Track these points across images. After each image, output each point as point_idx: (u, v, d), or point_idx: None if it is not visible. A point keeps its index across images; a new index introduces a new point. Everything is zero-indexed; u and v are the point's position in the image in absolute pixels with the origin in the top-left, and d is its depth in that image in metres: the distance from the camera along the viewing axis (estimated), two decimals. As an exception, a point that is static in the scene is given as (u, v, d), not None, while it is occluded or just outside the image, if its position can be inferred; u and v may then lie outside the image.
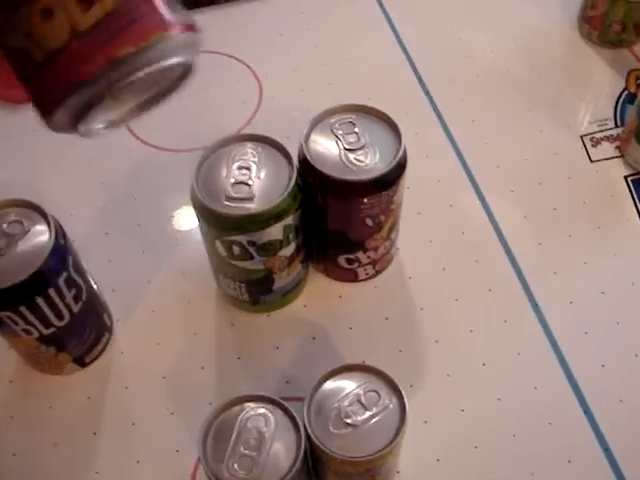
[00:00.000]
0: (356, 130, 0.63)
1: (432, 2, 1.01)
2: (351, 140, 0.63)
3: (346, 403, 0.53)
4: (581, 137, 0.85)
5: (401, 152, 0.61)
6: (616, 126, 0.86)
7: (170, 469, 0.64)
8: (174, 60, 0.38)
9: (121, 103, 0.40)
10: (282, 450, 0.52)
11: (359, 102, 0.65)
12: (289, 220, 0.61)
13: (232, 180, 0.60)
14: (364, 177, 0.60)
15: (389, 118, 0.64)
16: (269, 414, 0.53)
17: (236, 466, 0.51)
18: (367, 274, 0.72)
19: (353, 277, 0.72)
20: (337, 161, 0.62)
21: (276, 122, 0.85)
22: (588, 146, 0.84)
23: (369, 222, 0.64)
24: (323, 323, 0.71)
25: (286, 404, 0.53)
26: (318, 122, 0.64)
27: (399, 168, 0.62)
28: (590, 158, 0.83)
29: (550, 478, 0.63)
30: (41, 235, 0.59)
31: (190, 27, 0.38)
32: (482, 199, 0.80)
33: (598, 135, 0.86)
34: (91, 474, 0.64)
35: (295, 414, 0.53)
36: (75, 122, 0.39)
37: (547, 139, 0.85)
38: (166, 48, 0.37)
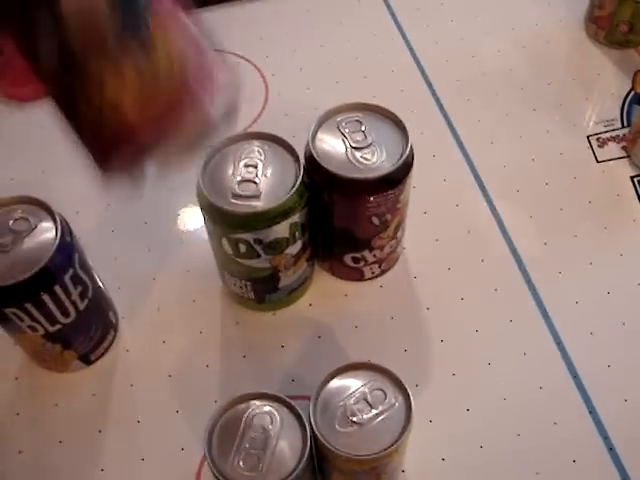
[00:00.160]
0: (363, 129, 0.63)
1: (439, 2, 1.00)
2: (358, 138, 0.63)
3: (352, 401, 0.53)
4: (587, 137, 0.85)
5: (408, 151, 0.61)
6: (622, 126, 0.86)
7: (175, 467, 0.64)
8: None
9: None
10: (288, 448, 0.52)
11: (366, 100, 0.65)
12: (295, 218, 0.61)
13: (238, 178, 0.60)
14: (370, 175, 0.60)
15: (396, 117, 0.64)
16: (275, 412, 0.53)
17: (241, 464, 0.51)
18: (373, 273, 0.72)
19: (359, 276, 0.72)
20: (344, 159, 0.62)
21: (282, 121, 0.85)
22: (594, 146, 0.84)
23: (375, 221, 0.64)
24: (329, 322, 0.71)
25: (292, 402, 0.53)
26: (325, 120, 0.64)
27: (406, 167, 0.62)
28: (596, 158, 0.83)
29: (555, 478, 0.63)
30: (47, 232, 0.59)
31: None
32: (488, 199, 0.80)
33: (604, 135, 0.85)
34: (96, 471, 0.64)
35: (301, 412, 0.53)
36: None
37: (553, 139, 0.85)
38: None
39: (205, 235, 0.65)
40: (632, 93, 0.89)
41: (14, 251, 0.58)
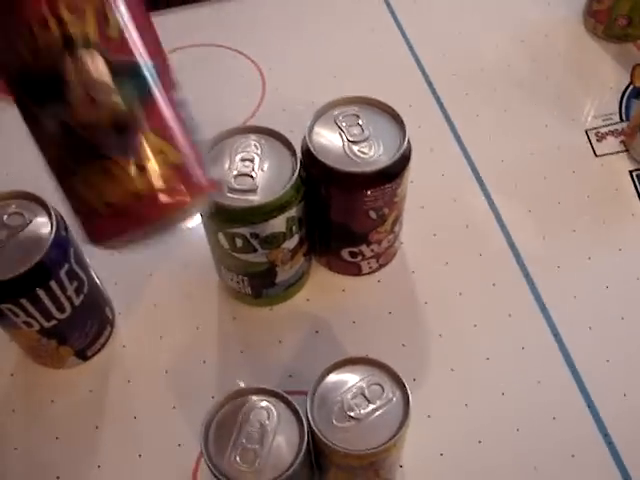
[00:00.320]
0: (360, 122, 0.63)
1: (437, -4, 1.00)
2: (355, 132, 0.62)
3: (349, 396, 0.52)
4: (586, 131, 0.85)
5: (405, 144, 0.61)
6: (621, 120, 0.86)
7: (172, 463, 0.64)
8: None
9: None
10: (285, 443, 0.51)
11: (363, 95, 0.65)
12: (292, 212, 0.61)
13: (235, 172, 0.60)
14: (368, 169, 0.60)
15: (393, 110, 0.63)
16: (272, 407, 0.53)
17: (238, 459, 0.51)
18: (370, 268, 0.72)
19: (356, 271, 0.72)
20: (341, 153, 0.61)
21: (279, 115, 0.85)
22: (593, 140, 0.84)
23: (373, 215, 0.64)
24: (326, 317, 0.71)
25: (289, 397, 0.53)
26: (322, 114, 0.64)
27: (403, 160, 0.62)
28: (595, 152, 0.83)
29: (553, 472, 0.63)
30: (42, 227, 0.59)
31: (213, 185, 0.45)
32: (486, 193, 0.79)
33: (603, 130, 0.85)
34: (93, 468, 0.64)
35: (298, 407, 0.52)
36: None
37: (551, 133, 0.85)
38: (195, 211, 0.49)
39: (202, 230, 0.65)
40: (631, 87, 0.89)
41: (9, 246, 0.58)
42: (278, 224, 0.61)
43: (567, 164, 0.82)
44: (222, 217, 0.60)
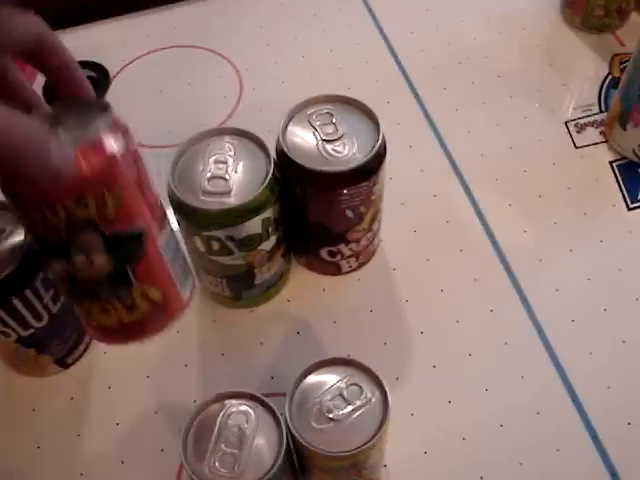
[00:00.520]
0: (334, 121, 0.62)
1: (413, -10, 1.00)
2: (329, 131, 0.62)
3: (328, 397, 0.52)
4: (565, 123, 0.85)
5: (379, 142, 0.61)
6: (600, 111, 0.85)
7: (155, 468, 0.63)
8: None
9: None
10: (265, 447, 0.51)
11: (340, 92, 0.64)
12: (267, 214, 0.60)
13: (208, 174, 0.60)
14: (342, 168, 0.60)
15: (367, 107, 0.63)
16: (250, 411, 0.52)
17: (217, 464, 0.50)
18: (350, 266, 0.72)
19: (336, 270, 0.72)
20: (315, 153, 0.61)
21: (257, 115, 0.84)
22: (573, 132, 0.84)
23: (349, 214, 0.64)
24: (307, 317, 0.71)
25: (267, 400, 0.52)
26: (295, 114, 0.64)
27: (378, 158, 0.61)
28: (575, 144, 0.83)
29: (539, 467, 0.62)
30: (16, 235, 0.58)
31: (188, 302, 0.58)
32: (466, 188, 0.79)
33: (582, 121, 0.85)
34: (75, 476, 0.63)
35: (276, 410, 0.52)
36: None
37: (531, 126, 0.85)
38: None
39: (179, 233, 0.65)
40: (609, 77, 0.89)
41: (-18, 255, 0.57)
42: (254, 226, 0.60)
43: (547, 156, 0.82)
44: (196, 220, 0.59)
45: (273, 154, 0.61)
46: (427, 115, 0.86)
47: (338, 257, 0.69)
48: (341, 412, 0.51)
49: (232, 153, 0.61)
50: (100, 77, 0.91)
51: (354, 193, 0.61)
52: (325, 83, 0.86)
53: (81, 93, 0.53)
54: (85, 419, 0.66)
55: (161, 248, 0.55)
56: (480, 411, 0.65)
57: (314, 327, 0.70)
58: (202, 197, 0.58)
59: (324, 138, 0.61)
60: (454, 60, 0.91)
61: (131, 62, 0.93)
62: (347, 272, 0.72)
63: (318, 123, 0.62)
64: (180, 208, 0.59)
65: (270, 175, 0.59)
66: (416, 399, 0.65)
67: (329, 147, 0.61)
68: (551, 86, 0.89)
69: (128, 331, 0.56)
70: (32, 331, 0.61)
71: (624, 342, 0.68)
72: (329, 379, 0.53)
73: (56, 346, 0.65)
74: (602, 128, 0.83)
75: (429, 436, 0.64)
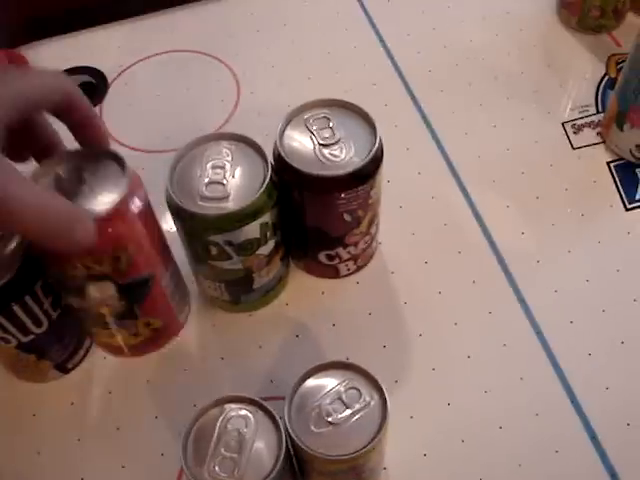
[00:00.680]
0: (331, 125, 0.63)
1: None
2: (326, 135, 0.62)
3: (327, 401, 0.52)
4: (562, 124, 0.85)
5: (376, 145, 0.61)
6: (597, 112, 0.86)
7: (156, 473, 0.64)
8: None
9: None
10: (264, 451, 0.51)
11: (338, 96, 0.64)
12: (265, 218, 0.60)
13: (206, 180, 0.60)
14: (339, 172, 0.60)
15: (364, 111, 0.63)
16: (249, 415, 0.52)
17: (217, 468, 0.50)
18: (348, 270, 0.72)
19: (334, 273, 0.72)
20: (312, 157, 0.61)
21: (255, 119, 0.84)
22: (570, 133, 0.84)
23: (347, 217, 0.64)
24: (306, 321, 0.71)
25: (266, 404, 0.52)
26: (292, 118, 0.64)
27: (375, 162, 0.62)
28: (572, 145, 0.83)
29: (538, 469, 0.62)
30: (15, 240, 0.58)
31: (183, 323, 0.70)
32: (464, 190, 0.79)
33: (579, 122, 0.85)
34: (77, 481, 0.64)
35: (276, 414, 0.52)
36: None
37: (528, 127, 0.85)
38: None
39: (177, 238, 0.65)
40: (606, 78, 0.89)
41: (-19, 262, 0.58)
42: (252, 230, 0.60)
43: (544, 157, 0.82)
44: (195, 226, 0.60)
45: (270, 159, 0.61)
46: (424, 117, 0.86)
47: (336, 260, 0.69)
48: (340, 416, 0.51)
49: (229, 158, 0.61)
50: (98, 82, 0.91)
51: (351, 197, 0.62)
52: (322, 87, 0.87)
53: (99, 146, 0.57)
54: (85, 424, 0.66)
55: (165, 286, 0.63)
56: (479, 413, 0.65)
57: (313, 330, 0.70)
58: (200, 202, 0.59)
59: (321, 142, 0.61)
60: (451, 62, 0.91)
61: (129, 67, 0.93)
62: (345, 275, 0.73)
63: (315, 127, 0.63)
64: (178, 213, 0.60)
65: (268, 180, 0.59)
66: (415, 402, 0.65)
67: (326, 151, 0.61)
68: (548, 87, 0.89)
69: (131, 350, 0.66)
70: (32, 337, 0.61)
71: (622, 343, 0.68)
72: (328, 383, 0.53)
73: (56, 351, 0.66)
74: (599, 129, 0.84)
75: (428, 438, 0.64)
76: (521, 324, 0.70)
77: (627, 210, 0.77)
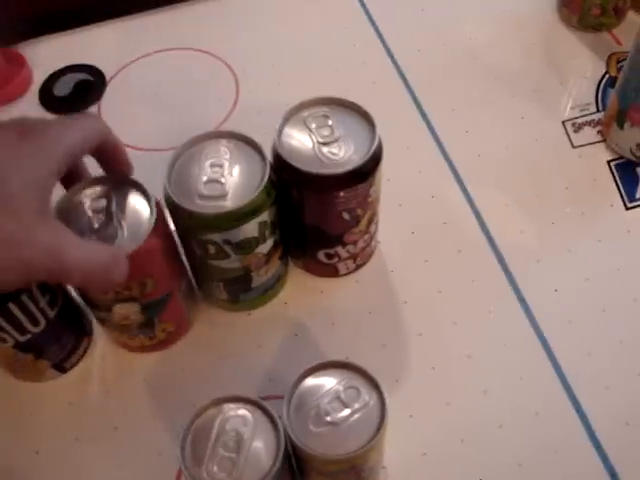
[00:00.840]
0: (329, 123, 0.62)
1: (410, -9, 1.00)
2: (325, 133, 0.62)
3: (325, 401, 0.52)
4: (563, 123, 0.85)
5: (376, 144, 0.60)
6: (598, 111, 0.85)
7: (154, 472, 0.63)
8: None
9: None
10: (262, 451, 0.51)
11: (337, 94, 0.64)
12: (264, 217, 0.60)
13: (204, 178, 0.59)
14: (338, 171, 0.59)
15: (363, 109, 0.63)
16: (248, 414, 0.52)
17: (215, 468, 0.50)
18: (348, 269, 0.71)
19: (333, 272, 0.71)
20: (311, 155, 0.61)
21: (253, 118, 0.84)
22: (570, 131, 0.84)
23: (346, 216, 0.64)
24: (305, 320, 0.70)
25: (265, 404, 0.52)
26: (291, 116, 0.63)
27: (374, 160, 0.61)
28: (572, 143, 0.83)
29: (537, 469, 0.62)
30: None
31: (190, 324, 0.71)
32: (464, 189, 0.79)
33: (580, 120, 0.85)
34: (74, 481, 0.63)
35: (274, 414, 0.52)
36: None
37: (528, 126, 0.84)
38: None
39: (176, 238, 0.64)
40: (607, 76, 0.88)
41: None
42: (250, 229, 0.60)
43: (544, 156, 0.82)
44: (193, 224, 0.59)
45: (269, 157, 0.61)
46: (424, 115, 0.85)
47: (335, 259, 0.69)
48: (339, 415, 0.51)
49: (228, 156, 0.61)
50: (96, 80, 0.91)
51: (350, 195, 0.61)
52: (322, 85, 0.86)
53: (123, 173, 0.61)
54: (83, 424, 0.66)
55: (180, 298, 0.66)
56: (479, 412, 0.65)
57: (312, 329, 0.70)
58: (198, 201, 0.58)
59: (320, 140, 0.61)
60: (451, 60, 0.91)
61: (127, 65, 0.93)
62: (345, 274, 0.72)
63: (314, 125, 0.62)
64: (176, 212, 0.59)
65: (266, 178, 0.59)
66: (415, 401, 0.65)
67: (325, 149, 0.61)
68: (548, 86, 0.88)
69: (146, 349, 0.69)
70: (29, 336, 0.61)
71: (622, 342, 0.68)
72: (327, 382, 0.53)
73: (54, 351, 0.65)
74: (599, 127, 0.83)
75: (428, 438, 0.64)
76: (521, 323, 0.70)
77: (627, 209, 0.77)
